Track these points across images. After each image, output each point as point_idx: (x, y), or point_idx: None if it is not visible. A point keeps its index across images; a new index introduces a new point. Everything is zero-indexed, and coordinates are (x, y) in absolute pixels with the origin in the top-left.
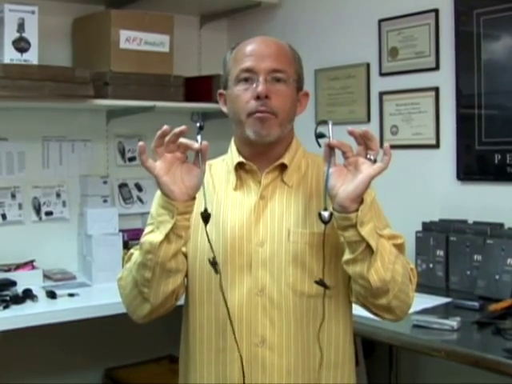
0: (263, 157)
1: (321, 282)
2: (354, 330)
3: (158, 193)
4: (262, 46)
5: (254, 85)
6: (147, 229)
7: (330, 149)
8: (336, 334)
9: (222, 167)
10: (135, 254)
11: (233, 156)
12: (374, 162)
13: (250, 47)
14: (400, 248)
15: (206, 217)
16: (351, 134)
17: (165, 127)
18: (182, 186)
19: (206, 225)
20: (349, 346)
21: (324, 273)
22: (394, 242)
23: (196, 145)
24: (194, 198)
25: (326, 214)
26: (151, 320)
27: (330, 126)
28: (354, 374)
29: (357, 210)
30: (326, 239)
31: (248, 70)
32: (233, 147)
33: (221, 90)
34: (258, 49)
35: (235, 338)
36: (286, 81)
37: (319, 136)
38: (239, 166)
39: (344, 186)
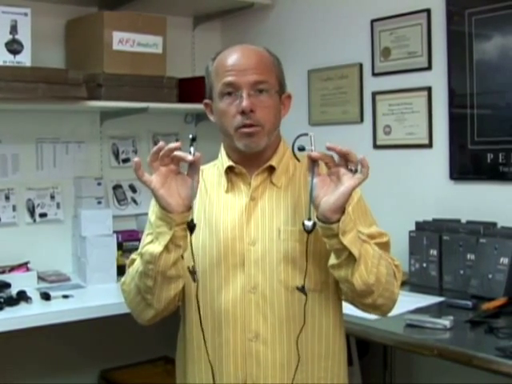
0: (252, 161)
1: (301, 289)
2: (347, 330)
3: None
4: (242, 58)
5: (238, 100)
6: (147, 239)
7: (313, 161)
8: (326, 327)
9: (213, 172)
10: (137, 261)
11: (223, 160)
12: (355, 171)
13: (230, 60)
14: (385, 246)
15: (191, 227)
16: (329, 149)
17: (160, 143)
18: (177, 198)
19: (191, 234)
20: (339, 338)
21: (305, 279)
22: (380, 240)
23: (189, 157)
24: (189, 209)
25: (309, 224)
26: (156, 321)
27: (312, 138)
28: (346, 364)
29: (339, 221)
30: (315, 236)
31: (230, 85)
32: (222, 152)
33: (206, 100)
34: (239, 61)
35: (229, 333)
36: (269, 91)
37: (300, 149)
38: (229, 170)
39: (326, 198)
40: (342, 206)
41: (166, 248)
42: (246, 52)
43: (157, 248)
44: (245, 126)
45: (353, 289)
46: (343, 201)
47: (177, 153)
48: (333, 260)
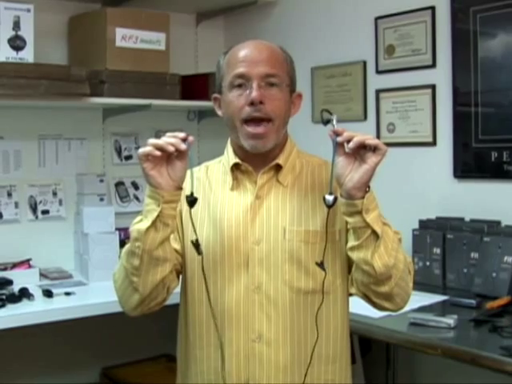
0: (258, 158)
1: (320, 265)
2: (350, 329)
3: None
4: (255, 50)
5: (248, 91)
6: (136, 219)
7: (336, 135)
8: (334, 329)
9: (218, 168)
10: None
11: (229, 157)
12: (375, 149)
13: (242, 52)
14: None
15: (191, 201)
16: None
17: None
18: (168, 179)
19: (190, 208)
20: (346, 340)
21: (324, 255)
22: None
23: (183, 146)
24: (180, 188)
25: (330, 198)
26: (143, 314)
27: (335, 119)
28: (350, 367)
29: (363, 198)
30: (321, 237)
31: (241, 76)
32: (229, 148)
33: (215, 95)
34: (251, 54)
35: (232, 333)
36: (280, 85)
37: (325, 122)
38: (235, 167)
39: (350, 176)
40: (366, 183)
41: (154, 225)
42: (259, 46)
43: (144, 224)
44: (252, 120)
45: (372, 272)
46: (367, 178)
47: (169, 134)
48: (353, 241)
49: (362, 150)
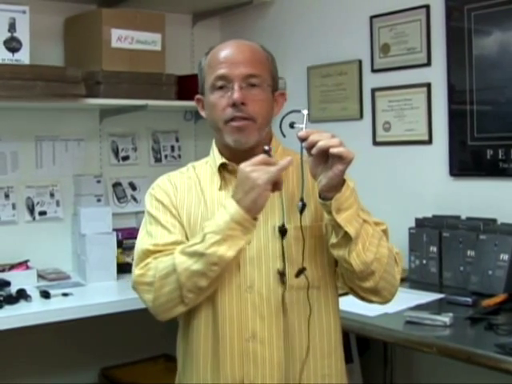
0: (244, 157)
1: (301, 270)
2: (347, 328)
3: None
4: (235, 51)
5: (230, 92)
6: (212, 238)
7: (302, 140)
8: (327, 324)
9: (206, 169)
10: (181, 258)
11: (215, 158)
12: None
13: (223, 53)
14: (384, 234)
15: (283, 231)
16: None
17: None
18: None
19: (283, 238)
20: (338, 334)
21: (304, 258)
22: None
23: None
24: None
25: (299, 204)
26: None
27: (305, 117)
28: (344, 360)
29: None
30: (310, 231)
31: (222, 78)
32: (214, 149)
33: (198, 96)
34: (231, 54)
35: (226, 333)
36: (261, 85)
37: (291, 126)
38: (222, 167)
39: (321, 177)
40: (335, 186)
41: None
42: (240, 46)
43: (229, 252)
44: (235, 118)
45: (352, 269)
46: (335, 183)
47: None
48: (332, 239)
49: (329, 153)
